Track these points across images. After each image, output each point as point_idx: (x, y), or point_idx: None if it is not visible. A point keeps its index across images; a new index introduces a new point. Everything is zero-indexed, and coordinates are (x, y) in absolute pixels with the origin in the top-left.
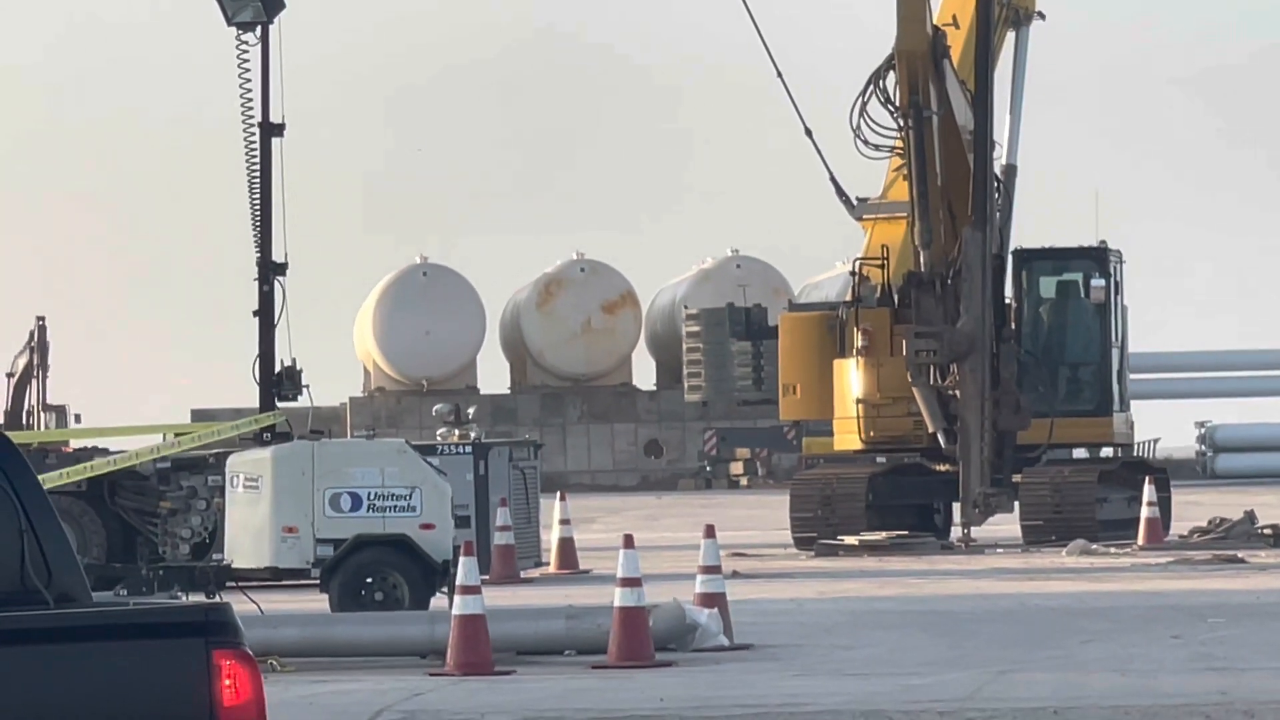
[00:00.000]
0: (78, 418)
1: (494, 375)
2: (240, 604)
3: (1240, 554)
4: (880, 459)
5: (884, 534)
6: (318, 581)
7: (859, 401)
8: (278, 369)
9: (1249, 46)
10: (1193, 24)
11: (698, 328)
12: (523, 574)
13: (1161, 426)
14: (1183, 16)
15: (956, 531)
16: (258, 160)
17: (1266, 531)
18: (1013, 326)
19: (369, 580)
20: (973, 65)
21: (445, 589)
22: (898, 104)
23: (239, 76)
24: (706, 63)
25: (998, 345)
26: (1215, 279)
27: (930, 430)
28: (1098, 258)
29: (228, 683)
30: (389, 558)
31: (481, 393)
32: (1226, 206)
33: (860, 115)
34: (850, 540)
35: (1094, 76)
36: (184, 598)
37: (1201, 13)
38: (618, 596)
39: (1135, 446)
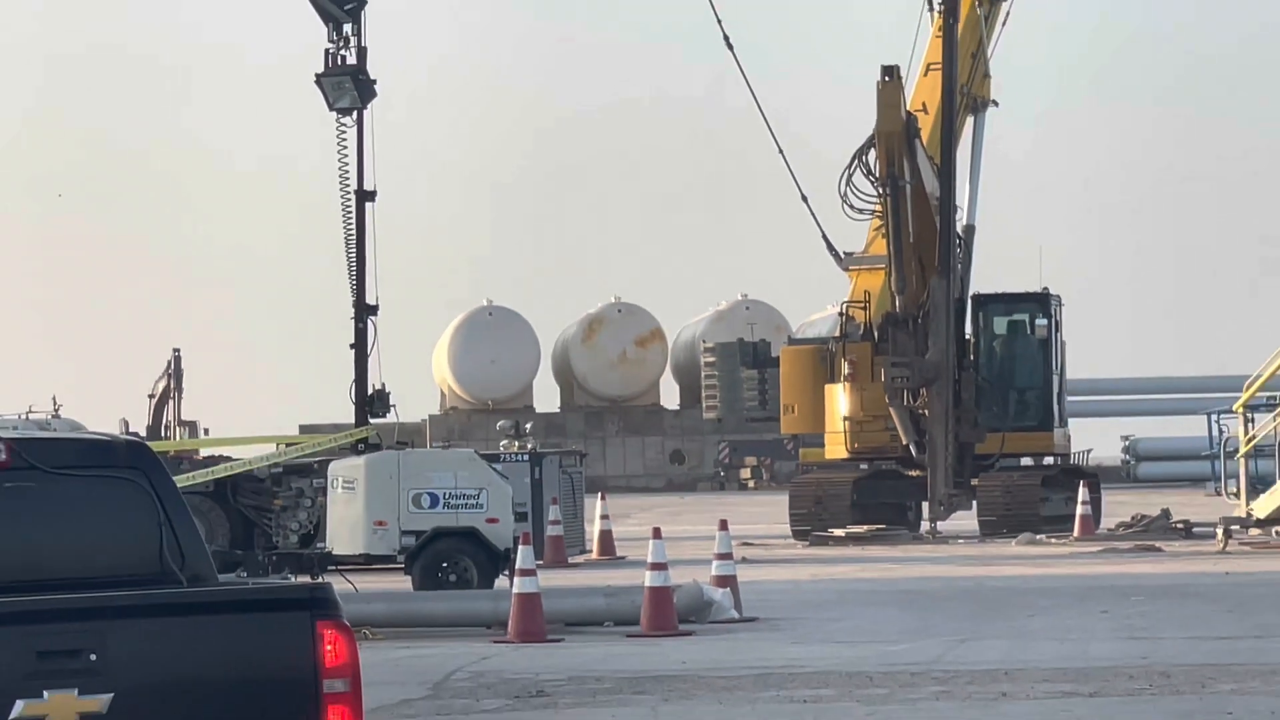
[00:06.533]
0: (206, 431)
1: (547, 397)
2: (339, 584)
3: (1158, 544)
4: (863, 465)
5: (866, 527)
6: (403, 565)
7: (845, 419)
8: (370, 392)
9: (1167, 117)
10: (1114, 115)
11: (713, 358)
12: (570, 560)
13: (1093, 439)
14: (1106, 112)
15: (925, 525)
16: (354, 221)
17: (1179, 526)
18: (971, 357)
19: (445, 564)
20: (939, 143)
21: (507, 571)
22: (878, 175)
23: (338, 152)
24: (722, 142)
25: (959, 373)
26: (1137, 318)
27: (904, 442)
28: (1041, 301)
29: (328, 648)
30: (461, 546)
31: (537, 411)
32: (1148, 259)
33: (847, 184)
34: (838, 532)
35: (1040, 151)
36: (293, 579)
37: (1120, 108)
38: (648, 578)
39: (1072, 456)
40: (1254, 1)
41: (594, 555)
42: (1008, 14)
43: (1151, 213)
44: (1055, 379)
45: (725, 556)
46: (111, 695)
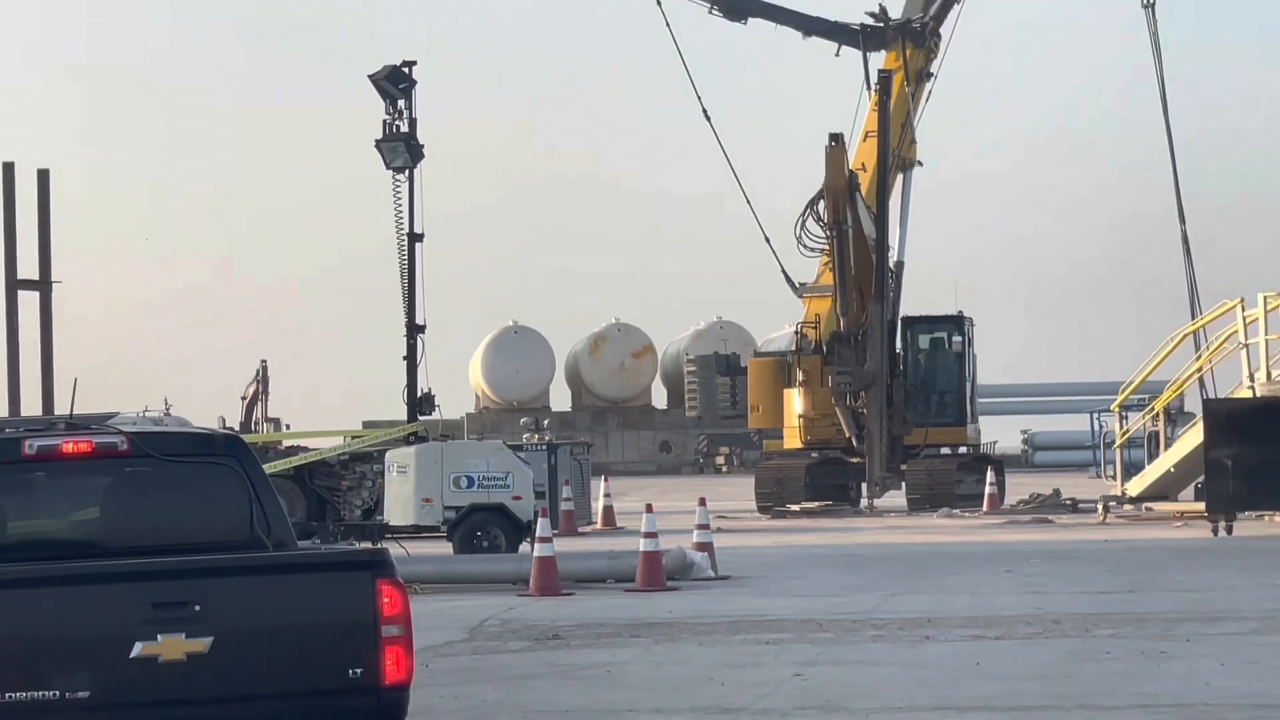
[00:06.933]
0: (288, 426)
1: (561, 398)
2: (394, 549)
3: (1051, 517)
4: (814, 454)
5: (816, 503)
6: (446, 534)
7: (800, 416)
8: (419, 395)
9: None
10: (1018, 175)
11: (694, 368)
12: (580, 529)
13: (998, 432)
14: (1015, 167)
15: (864, 502)
16: (407, 257)
17: (1067, 502)
18: (901, 367)
19: (479, 533)
20: (875, 195)
21: (529, 539)
22: (826, 221)
23: (394, 202)
24: (700, 194)
25: (891, 379)
26: (1034, 334)
27: (847, 435)
28: (957, 322)
29: (386, 600)
30: (492, 518)
31: (553, 410)
32: (1043, 287)
33: (801, 228)
34: (794, 507)
35: (958, 204)
36: (357, 545)
37: (1020, 165)
38: (642, 544)
39: (981, 446)
40: (1123, 62)
41: (599, 526)
42: (930, 92)
43: (1047, 249)
44: (968, 384)
45: (704, 527)
46: (212, 638)
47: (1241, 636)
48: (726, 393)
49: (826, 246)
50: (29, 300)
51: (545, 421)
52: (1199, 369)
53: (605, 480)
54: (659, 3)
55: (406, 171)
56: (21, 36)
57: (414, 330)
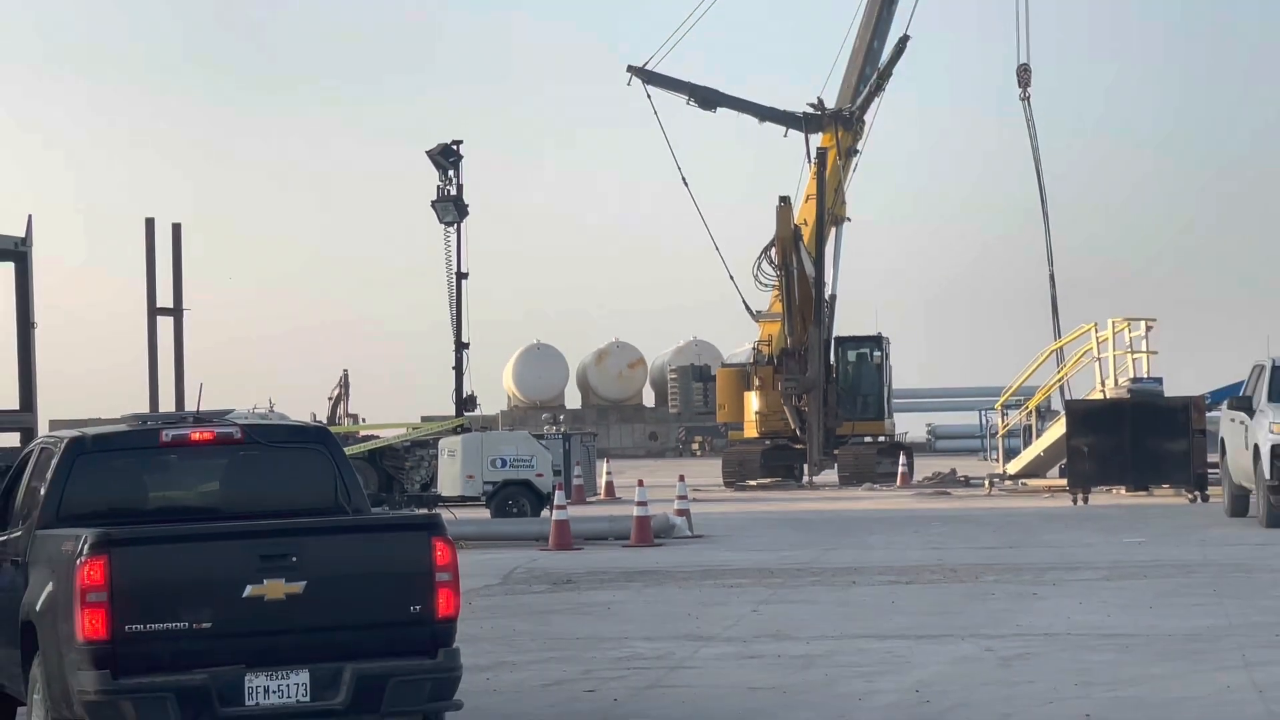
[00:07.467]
0: (363, 419)
1: (573, 399)
2: (446, 514)
3: (948, 490)
4: (767, 441)
5: (769, 480)
6: (485, 503)
7: (756, 412)
8: (465, 395)
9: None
10: (944, 227)
11: (675, 376)
12: (587, 499)
13: (909, 425)
14: (921, 221)
15: (806, 478)
16: (455, 291)
17: (962, 479)
18: (834, 375)
19: (510, 502)
20: (815, 244)
21: (548, 506)
22: (776, 263)
23: (445, 248)
24: (681, 241)
25: (827, 385)
26: (935, 349)
27: (793, 427)
28: (877, 341)
29: (439, 553)
30: (520, 490)
31: (566, 408)
32: (943, 313)
33: (757, 269)
34: (752, 483)
35: (879, 248)
36: (416, 511)
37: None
38: (635, 510)
39: (895, 435)
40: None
41: (602, 496)
42: (857, 165)
43: (947, 283)
44: (885, 388)
45: (683, 497)
46: (305, 582)
47: (1095, 582)
48: (700, 395)
49: (777, 283)
50: (165, 324)
51: (561, 416)
52: (1062, 377)
53: (606, 461)
54: (649, 96)
55: (455, 225)
56: (152, 124)
57: (460, 346)
